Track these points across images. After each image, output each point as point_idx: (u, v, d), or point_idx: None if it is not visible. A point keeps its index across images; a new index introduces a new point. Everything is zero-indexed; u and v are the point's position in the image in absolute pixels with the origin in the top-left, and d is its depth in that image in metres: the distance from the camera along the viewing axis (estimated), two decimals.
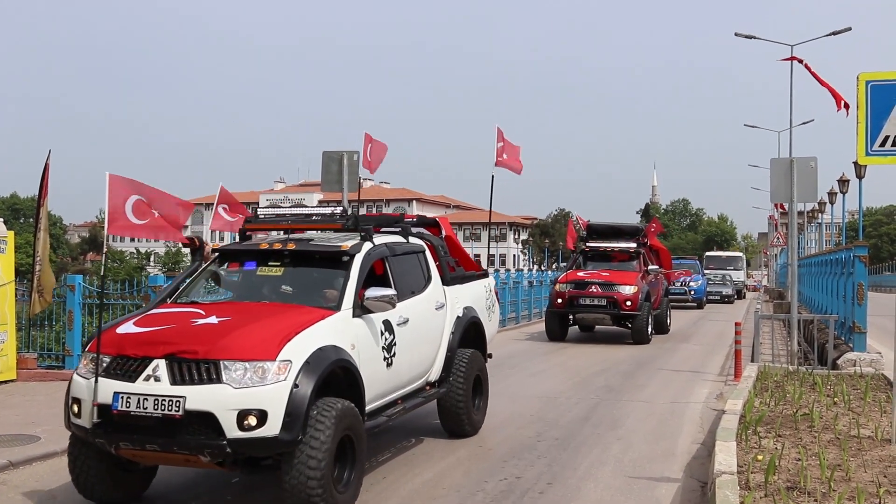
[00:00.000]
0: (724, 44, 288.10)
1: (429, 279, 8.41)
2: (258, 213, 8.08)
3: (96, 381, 5.96)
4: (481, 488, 7.05)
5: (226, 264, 7.72)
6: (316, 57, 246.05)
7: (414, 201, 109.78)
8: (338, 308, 6.73)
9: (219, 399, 5.70)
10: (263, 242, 7.63)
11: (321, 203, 59.56)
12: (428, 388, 8.26)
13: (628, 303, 18.15)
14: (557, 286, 19.00)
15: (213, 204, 11.78)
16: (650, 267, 19.80)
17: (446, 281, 8.72)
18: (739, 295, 42.24)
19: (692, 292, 32.86)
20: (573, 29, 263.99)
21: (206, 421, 5.69)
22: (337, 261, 7.22)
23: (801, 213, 26.50)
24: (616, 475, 7.50)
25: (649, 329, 18.68)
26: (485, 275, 10.02)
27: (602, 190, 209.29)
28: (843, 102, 21.36)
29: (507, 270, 33.71)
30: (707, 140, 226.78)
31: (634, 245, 20.05)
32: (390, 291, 7.08)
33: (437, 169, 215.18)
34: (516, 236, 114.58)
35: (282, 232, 8.15)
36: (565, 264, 25.50)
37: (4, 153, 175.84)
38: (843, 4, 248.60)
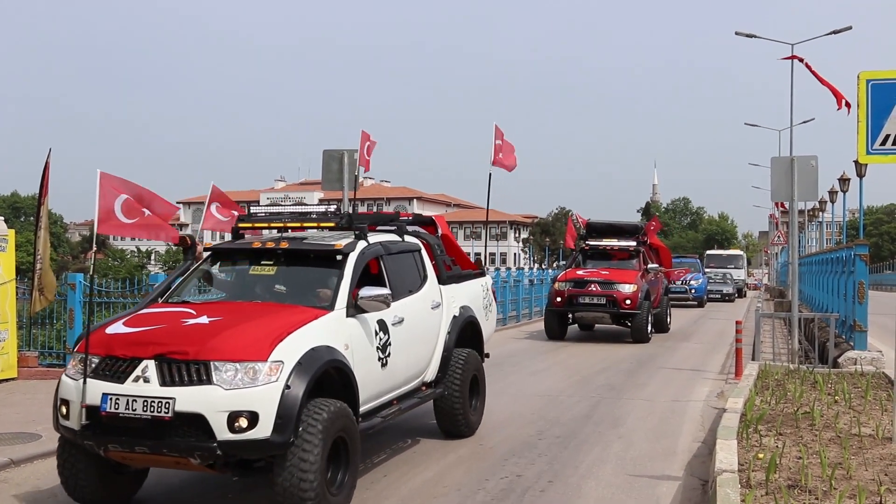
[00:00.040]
0: (724, 43, 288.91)
1: (424, 278, 8.31)
2: (251, 211, 8.00)
3: (85, 382, 5.88)
4: (482, 487, 7.00)
5: (218, 263, 7.64)
6: (316, 57, 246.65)
7: (414, 200, 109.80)
8: (331, 308, 6.63)
9: (209, 400, 5.60)
10: (256, 241, 7.54)
11: (322, 201, 59.57)
12: (424, 388, 8.16)
13: (627, 301, 18.02)
14: (556, 285, 18.87)
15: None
16: (650, 265, 19.66)
17: (442, 280, 8.62)
18: (740, 293, 42.19)
19: (693, 291, 32.83)
20: (573, 29, 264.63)
21: (196, 423, 5.59)
22: (330, 260, 7.12)
23: (801, 212, 26.45)
24: (617, 473, 7.46)
25: (649, 328, 18.56)
26: (481, 274, 9.93)
27: (603, 189, 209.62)
28: (843, 101, 21.31)
29: (508, 269, 33.65)
30: (707, 139, 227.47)
31: (634, 243, 19.91)
32: (385, 291, 6.99)
33: (438, 168, 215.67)
34: (517, 235, 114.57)
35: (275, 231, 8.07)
36: (565, 263, 25.39)
37: (5, 152, 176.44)
38: (844, 4, 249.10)
